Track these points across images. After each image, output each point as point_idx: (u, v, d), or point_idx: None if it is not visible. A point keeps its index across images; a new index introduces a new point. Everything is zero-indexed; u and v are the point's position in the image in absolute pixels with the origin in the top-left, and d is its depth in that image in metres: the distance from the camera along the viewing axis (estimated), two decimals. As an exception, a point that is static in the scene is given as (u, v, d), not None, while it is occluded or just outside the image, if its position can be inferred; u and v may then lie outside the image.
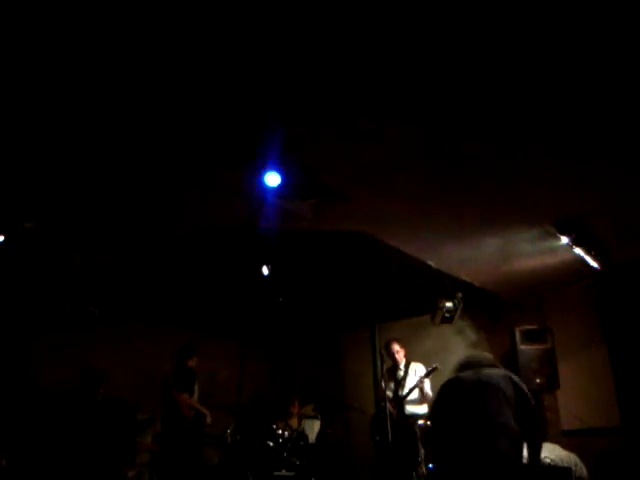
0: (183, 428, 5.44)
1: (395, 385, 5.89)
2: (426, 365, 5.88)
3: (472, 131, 3.27)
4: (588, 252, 4.65)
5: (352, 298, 6.58)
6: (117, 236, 4.71)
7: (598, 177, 3.83)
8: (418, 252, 5.16)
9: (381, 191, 4.04)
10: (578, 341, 5.92)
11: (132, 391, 5.80)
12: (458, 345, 6.75)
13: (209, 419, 5.60)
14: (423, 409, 5.72)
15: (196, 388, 5.71)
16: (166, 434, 5.52)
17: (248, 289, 6.04)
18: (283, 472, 5.42)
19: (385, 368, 5.70)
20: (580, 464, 4.56)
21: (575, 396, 5.77)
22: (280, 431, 5.73)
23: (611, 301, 5.72)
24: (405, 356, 6.06)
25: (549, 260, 5.23)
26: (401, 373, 5.93)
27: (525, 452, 3.02)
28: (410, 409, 5.69)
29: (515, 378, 3.07)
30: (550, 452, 4.45)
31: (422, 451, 5.28)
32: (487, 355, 3.45)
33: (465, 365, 3.22)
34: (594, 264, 4.83)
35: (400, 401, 5.67)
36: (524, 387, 3.02)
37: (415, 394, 5.67)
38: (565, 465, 4.32)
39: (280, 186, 3.64)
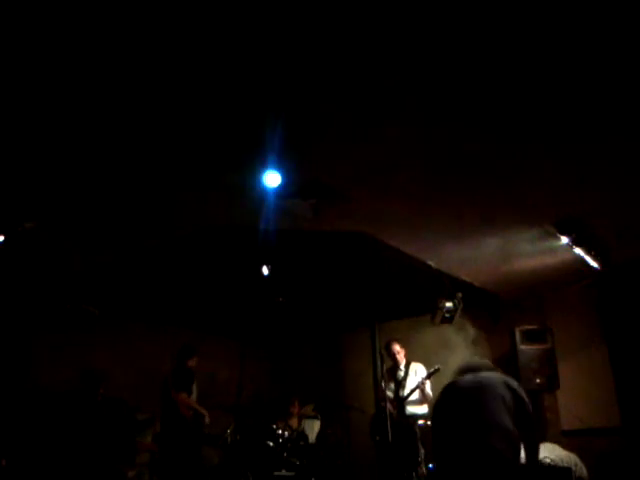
0: (182, 428, 5.43)
1: (395, 385, 5.89)
2: (426, 365, 5.88)
3: (472, 131, 3.27)
4: (588, 252, 4.66)
5: (352, 298, 6.58)
6: (117, 236, 4.71)
7: (598, 177, 3.83)
8: (418, 252, 5.16)
9: (381, 191, 4.04)
10: (578, 341, 5.92)
11: (132, 391, 5.81)
12: (458, 345, 6.76)
13: (207, 419, 5.61)
14: (423, 409, 5.73)
15: (195, 388, 5.70)
16: (165, 434, 5.52)
17: (248, 289, 6.04)
18: (283, 472, 5.42)
19: (385, 368, 5.70)
20: (580, 464, 4.56)
21: (575, 396, 5.77)
22: (280, 431, 5.73)
23: (611, 301, 5.72)
24: (405, 356, 6.06)
25: (549, 260, 5.23)
26: (401, 373, 5.94)
27: (523, 453, 3.04)
28: (410, 409, 5.70)
29: (513, 384, 3.08)
30: (550, 452, 4.45)
31: (422, 451, 5.29)
32: (486, 361, 3.50)
33: (464, 370, 3.28)
34: (594, 264, 4.83)
35: (401, 402, 5.68)
36: (522, 393, 3.04)
37: (416, 394, 5.66)
38: (565, 465, 4.32)
39: (280, 186, 3.65)
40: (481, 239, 4.85)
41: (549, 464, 4.20)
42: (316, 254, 5.38)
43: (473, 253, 5.16)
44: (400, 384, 5.85)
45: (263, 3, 2.32)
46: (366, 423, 5.97)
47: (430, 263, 5.37)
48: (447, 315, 5.82)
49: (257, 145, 3.29)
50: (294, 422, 6.58)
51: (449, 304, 5.74)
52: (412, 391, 5.63)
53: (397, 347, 6.03)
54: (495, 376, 3.15)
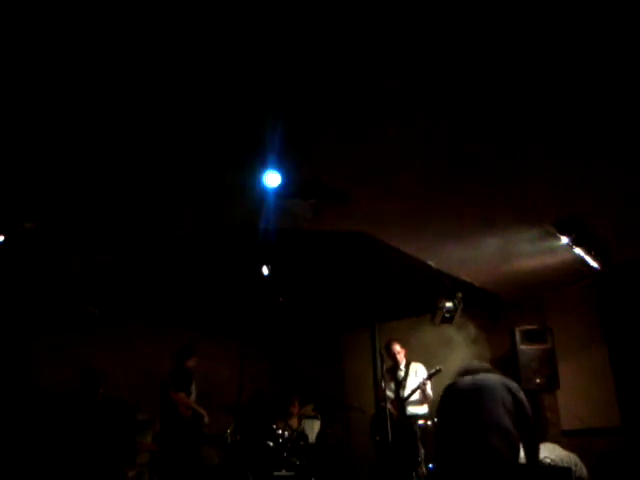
0: (180, 428, 5.44)
1: (396, 385, 5.89)
2: (426, 365, 5.89)
3: (472, 131, 3.27)
4: (588, 252, 4.66)
5: (352, 298, 6.57)
6: (117, 236, 4.71)
7: (598, 177, 3.83)
8: (418, 252, 5.16)
9: (381, 191, 4.04)
10: (578, 341, 5.92)
11: (132, 391, 5.80)
12: (458, 345, 6.75)
13: (206, 419, 5.61)
14: (423, 409, 5.74)
15: (193, 388, 5.70)
16: (164, 434, 5.53)
17: (248, 289, 6.04)
18: (283, 472, 5.42)
19: (385, 368, 5.69)
20: (580, 464, 4.56)
21: (575, 396, 5.77)
22: (280, 431, 5.73)
23: (611, 301, 5.72)
24: (406, 356, 6.06)
25: (549, 260, 5.23)
26: (402, 373, 5.93)
27: (522, 453, 3.04)
28: (411, 410, 5.70)
29: (513, 386, 3.09)
30: (550, 452, 4.45)
31: (422, 451, 5.29)
32: (485, 364, 3.52)
33: (464, 372, 3.31)
34: (594, 264, 4.83)
35: (402, 402, 5.68)
36: (521, 395, 3.05)
37: (416, 395, 5.67)
38: (565, 465, 4.32)
39: (280, 186, 3.65)
40: (481, 239, 4.85)
41: (549, 464, 4.20)
42: (316, 254, 5.38)
43: (473, 253, 5.16)
44: (400, 384, 5.85)
45: (263, 3, 2.32)
46: (366, 423, 5.97)
47: (430, 263, 5.37)
48: (447, 315, 5.82)
49: (257, 145, 3.29)
50: (294, 422, 6.59)
51: (449, 304, 5.74)
52: (413, 392, 5.64)
53: (397, 347, 6.03)
54: (494, 378, 3.16)
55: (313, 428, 6.53)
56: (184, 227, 4.63)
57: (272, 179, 3.57)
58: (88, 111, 3.05)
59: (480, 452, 2.80)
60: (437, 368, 5.51)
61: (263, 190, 3.73)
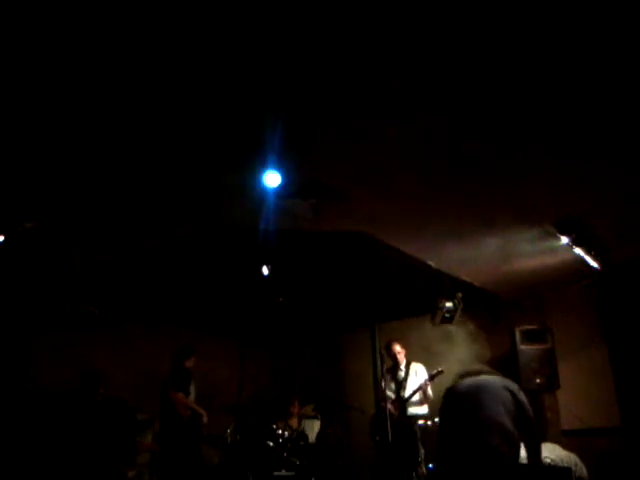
0: (180, 428, 5.44)
1: (396, 386, 5.89)
2: (426, 365, 5.89)
3: (472, 131, 3.27)
4: (588, 252, 4.66)
5: (352, 298, 6.58)
6: (117, 236, 4.71)
7: (598, 177, 3.83)
8: (418, 252, 5.16)
9: (381, 191, 4.04)
10: (578, 341, 5.92)
11: (132, 391, 5.81)
12: (458, 345, 6.75)
13: (205, 419, 5.60)
14: (423, 409, 5.74)
15: (193, 388, 5.70)
16: (163, 434, 5.53)
17: (248, 289, 6.04)
18: (283, 472, 5.42)
19: (385, 368, 5.70)
20: (580, 464, 4.55)
21: (575, 396, 5.78)
22: (280, 431, 5.73)
23: (611, 301, 5.72)
24: (406, 356, 6.06)
25: (549, 260, 5.23)
26: (402, 374, 5.93)
27: (523, 453, 3.04)
28: (411, 410, 5.71)
29: (513, 387, 3.09)
30: (550, 452, 4.45)
31: (422, 451, 5.30)
32: (486, 367, 3.53)
33: (464, 374, 3.32)
34: (594, 264, 4.83)
35: (403, 403, 5.68)
36: (522, 396, 3.05)
37: (416, 395, 5.68)
38: (565, 465, 4.32)
39: (280, 186, 3.65)
40: (481, 239, 4.85)
41: (549, 464, 4.20)
42: (316, 254, 5.38)
43: (473, 253, 5.15)
44: (401, 384, 5.85)
45: (263, 3, 2.32)
46: (366, 423, 5.97)
47: (430, 263, 5.37)
48: (447, 315, 5.82)
49: (257, 145, 3.29)
50: (294, 422, 6.59)
51: (449, 304, 5.74)
52: (414, 392, 5.65)
53: (398, 347, 6.03)
54: (494, 379, 3.17)
55: (313, 428, 6.53)
56: (184, 227, 4.63)
57: (272, 179, 3.57)
58: (88, 111, 3.05)
59: (480, 452, 2.80)
60: (439, 369, 5.52)
61: (263, 190, 3.73)
